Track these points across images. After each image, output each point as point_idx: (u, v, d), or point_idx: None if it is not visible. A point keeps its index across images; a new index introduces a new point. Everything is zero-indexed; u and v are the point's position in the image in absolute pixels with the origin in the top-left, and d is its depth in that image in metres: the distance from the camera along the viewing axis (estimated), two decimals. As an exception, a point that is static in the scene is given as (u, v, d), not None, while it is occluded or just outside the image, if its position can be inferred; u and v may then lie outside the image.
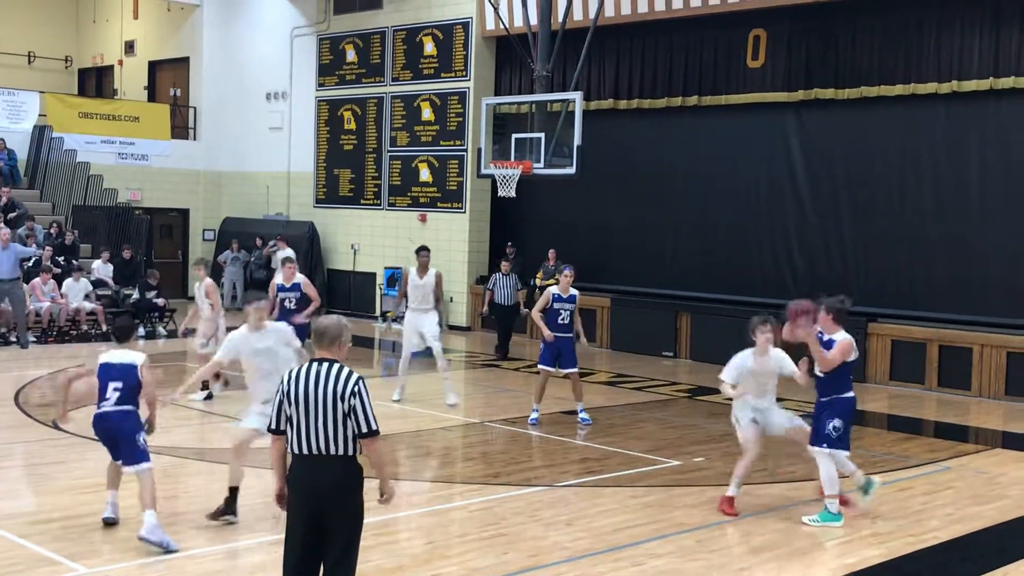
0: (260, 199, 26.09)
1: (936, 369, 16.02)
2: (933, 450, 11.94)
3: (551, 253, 20.31)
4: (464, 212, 22.07)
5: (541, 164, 17.16)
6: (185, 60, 27.43)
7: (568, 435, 12.21)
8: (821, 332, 8.80)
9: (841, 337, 8.74)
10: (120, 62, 29.06)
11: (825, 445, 8.75)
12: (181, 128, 26.93)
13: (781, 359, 9.04)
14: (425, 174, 22.71)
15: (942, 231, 16.70)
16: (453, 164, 22.21)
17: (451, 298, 22.21)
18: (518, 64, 20.68)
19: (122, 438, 7.93)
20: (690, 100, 19.21)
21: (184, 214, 26.79)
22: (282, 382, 5.65)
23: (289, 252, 23.70)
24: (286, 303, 13.61)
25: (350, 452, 5.53)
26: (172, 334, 19.79)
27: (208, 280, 14.11)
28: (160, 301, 20.03)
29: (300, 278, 13.90)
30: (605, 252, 20.43)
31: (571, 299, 12.70)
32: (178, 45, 27.64)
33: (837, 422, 8.73)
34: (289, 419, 5.58)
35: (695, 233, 19.45)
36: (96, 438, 8.16)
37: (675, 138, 19.77)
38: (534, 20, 18.31)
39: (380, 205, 23.61)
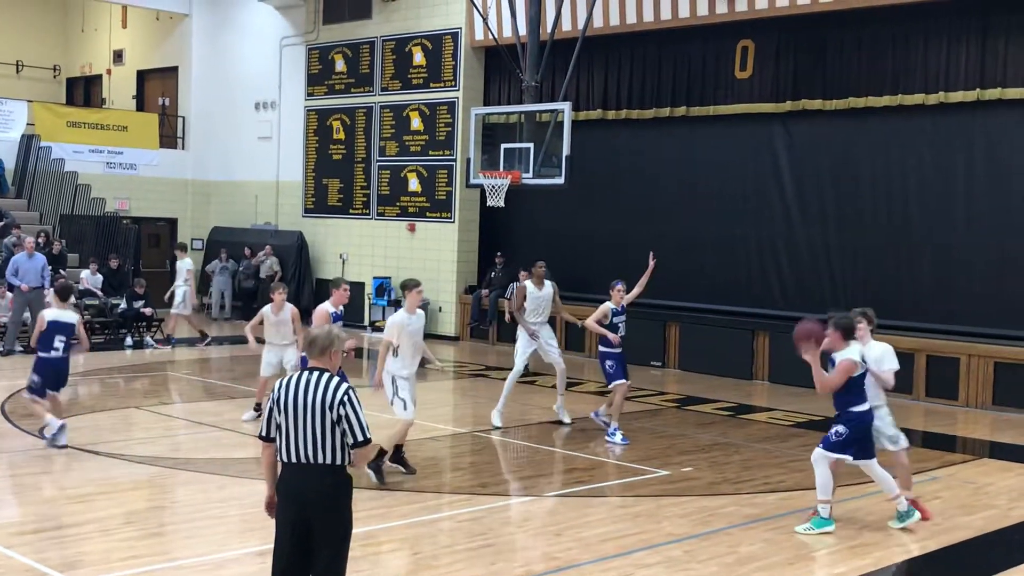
0: (248, 209, 26.06)
1: (923, 379, 16.06)
2: (921, 460, 11.95)
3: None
4: (453, 222, 22.07)
5: (530, 174, 17.17)
6: (174, 69, 27.41)
7: (555, 444, 12.20)
8: (833, 355, 8.82)
9: (842, 356, 8.73)
10: (108, 71, 29.02)
11: (822, 446, 8.81)
12: (169, 137, 26.89)
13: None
14: (414, 184, 22.71)
15: (929, 241, 16.76)
16: (442, 174, 22.21)
17: (440, 308, 22.22)
18: (507, 74, 20.71)
19: (64, 375, 11.28)
20: (678, 111, 19.26)
21: (172, 224, 26.73)
22: (273, 390, 5.67)
23: (274, 260, 23.75)
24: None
25: (338, 461, 5.53)
26: (161, 343, 19.73)
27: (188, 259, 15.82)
28: (148, 311, 19.96)
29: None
30: (594, 262, 20.43)
31: (623, 311, 12.73)
32: (167, 54, 27.61)
33: (841, 428, 8.78)
34: (279, 427, 5.59)
35: (684, 243, 19.47)
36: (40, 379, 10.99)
37: (664, 148, 19.82)
38: (523, 30, 18.34)
39: (369, 215, 23.60)
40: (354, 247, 23.83)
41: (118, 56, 28.86)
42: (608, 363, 12.50)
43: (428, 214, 22.48)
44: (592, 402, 14.07)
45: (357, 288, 23.63)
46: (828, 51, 17.49)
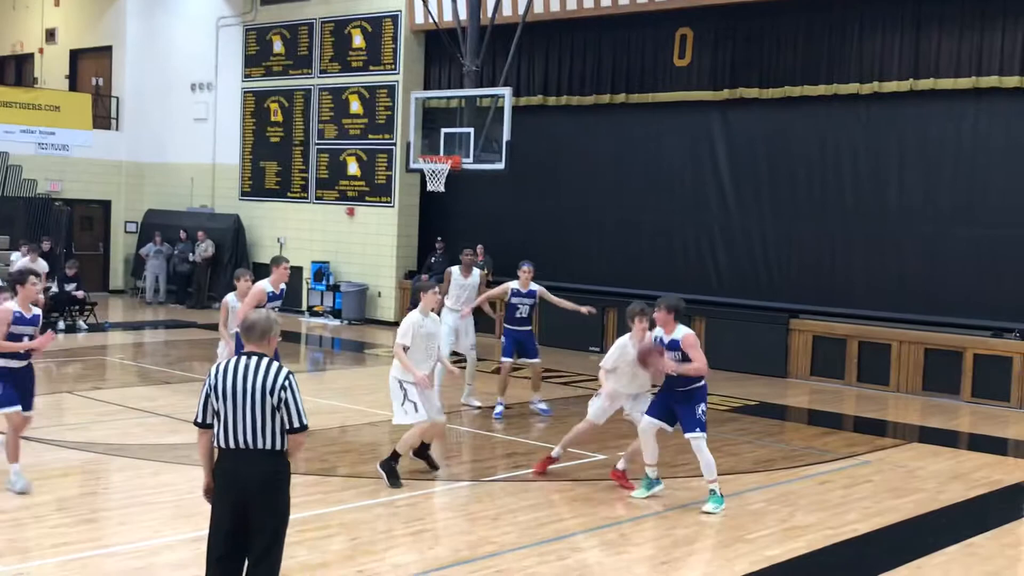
0: (184, 191, 25.71)
1: (856, 365, 16.33)
2: (852, 444, 12.17)
3: (479, 248, 20.31)
4: (393, 206, 21.97)
5: (470, 159, 17.15)
6: (108, 49, 26.92)
7: (495, 430, 12.23)
8: (661, 336, 8.97)
9: (683, 333, 8.95)
10: (41, 50, 28.42)
11: (698, 429, 8.94)
12: (103, 118, 26.43)
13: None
14: (353, 168, 22.57)
15: (862, 229, 17.02)
16: (382, 158, 22.10)
17: (379, 292, 22.14)
18: (447, 58, 20.64)
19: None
20: (618, 97, 19.34)
21: (106, 206, 26.30)
22: (209, 376, 5.61)
23: (209, 244, 23.51)
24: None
25: (277, 447, 5.51)
26: (93, 327, 19.43)
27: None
28: (80, 294, 19.62)
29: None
30: (533, 247, 20.39)
31: (530, 294, 12.94)
32: (101, 34, 27.11)
33: (704, 406, 9.03)
34: (216, 413, 5.53)
35: (621, 229, 19.59)
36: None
37: (603, 135, 19.90)
38: (463, 15, 18.28)
39: (307, 198, 23.42)
40: (292, 231, 23.63)
41: (51, 35, 28.28)
42: (503, 339, 12.99)
43: (367, 198, 22.36)
44: (526, 386, 14.09)
45: (295, 272, 23.42)
46: (765, 40, 17.66)
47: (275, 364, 5.55)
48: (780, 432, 12.93)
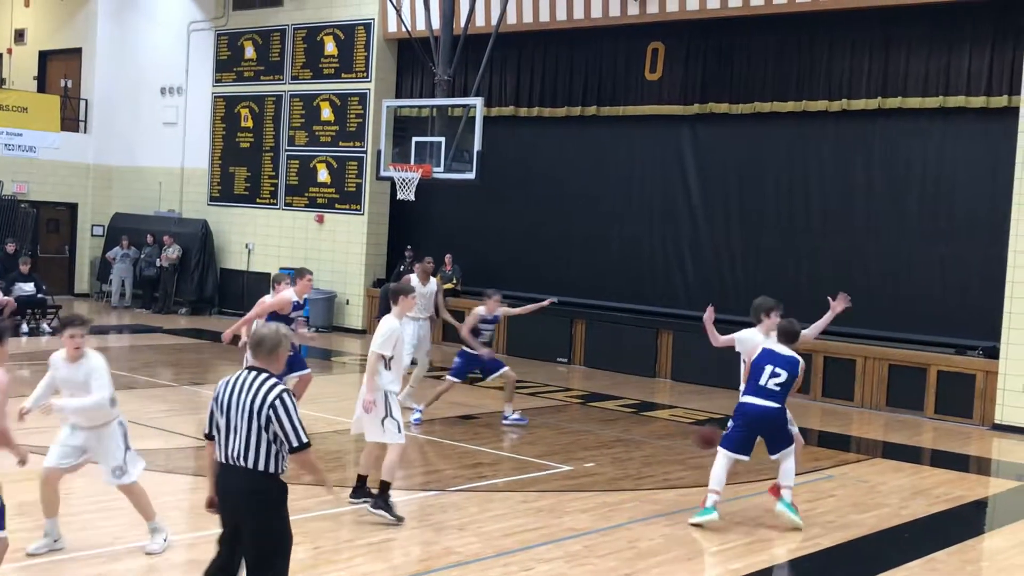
0: (152, 195, 25.54)
1: (821, 380, 16.43)
2: (816, 459, 12.23)
3: (447, 257, 20.34)
4: (362, 214, 21.92)
5: (441, 168, 17.15)
6: (77, 51, 26.71)
7: (461, 439, 12.21)
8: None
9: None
10: (9, 51, 28.17)
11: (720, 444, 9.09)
12: (71, 120, 26.21)
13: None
14: (323, 175, 22.50)
15: (829, 245, 17.15)
16: (352, 165, 22.05)
17: (347, 300, 22.06)
18: (420, 67, 20.64)
19: None
20: (589, 110, 19.40)
21: (72, 208, 26.08)
22: (217, 389, 5.58)
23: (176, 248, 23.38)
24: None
25: (267, 467, 5.40)
26: (56, 331, 19.21)
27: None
28: (40, 295, 19.31)
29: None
30: (503, 257, 20.50)
31: (495, 319, 13.12)
32: (70, 35, 26.90)
33: (729, 423, 9.09)
34: (216, 426, 5.52)
35: (591, 241, 19.64)
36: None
37: (574, 147, 19.95)
38: (436, 24, 18.30)
39: (276, 205, 23.32)
40: (260, 237, 23.52)
41: (19, 35, 28.05)
42: (457, 359, 12.95)
43: (337, 206, 22.30)
44: (494, 396, 14.08)
45: (263, 278, 23.33)
46: (736, 56, 17.78)
47: (270, 381, 5.44)
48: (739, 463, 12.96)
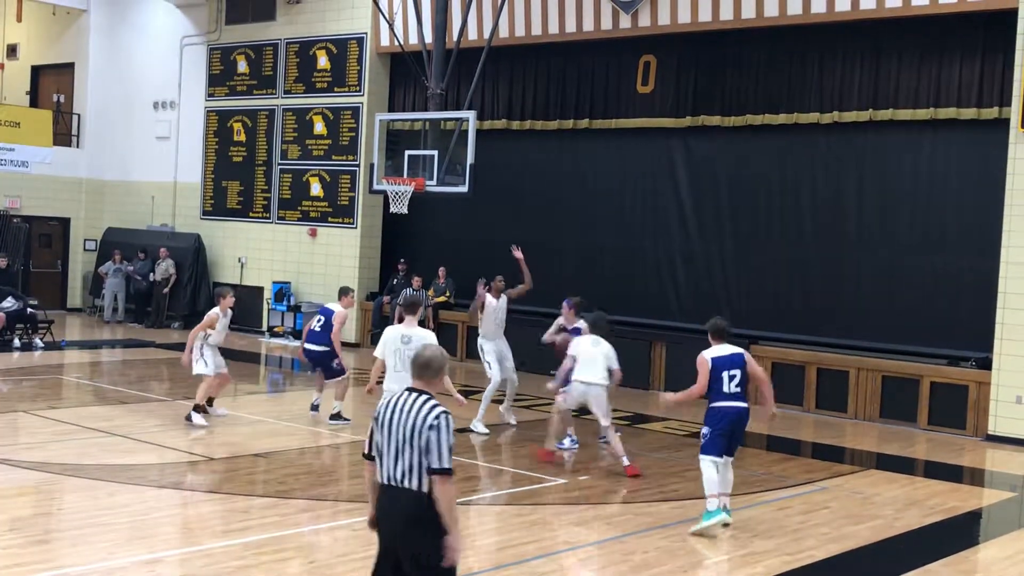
0: (144, 209, 25.53)
1: (814, 391, 16.44)
2: (810, 470, 12.24)
3: (441, 271, 20.35)
4: (355, 227, 21.93)
5: (434, 181, 17.16)
6: (70, 66, 26.72)
7: (456, 453, 12.16)
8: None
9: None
10: (1, 66, 28.15)
11: (701, 451, 9.28)
12: (64, 135, 26.20)
13: None
14: (316, 188, 22.51)
15: (821, 257, 17.18)
16: (345, 179, 22.06)
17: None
18: (412, 81, 20.67)
19: None
20: (581, 123, 19.44)
21: (65, 223, 26.06)
22: (377, 408, 5.55)
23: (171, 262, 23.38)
24: None
25: (427, 488, 5.32)
26: (50, 346, 19.19)
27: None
28: (20, 304, 19.24)
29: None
30: (495, 270, 20.40)
31: (575, 331, 12.84)
32: (63, 50, 26.91)
33: (704, 429, 9.31)
34: (377, 446, 5.47)
35: (583, 254, 19.66)
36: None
37: (566, 160, 19.98)
38: (429, 38, 18.33)
39: (270, 218, 23.32)
40: (253, 251, 23.51)
41: (12, 50, 28.04)
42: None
43: (330, 219, 22.30)
44: (488, 410, 14.07)
45: (256, 292, 23.35)
46: (727, 69, 17.84)
47: (431, 402, 5.40)
48: (738, 458, 12.87)
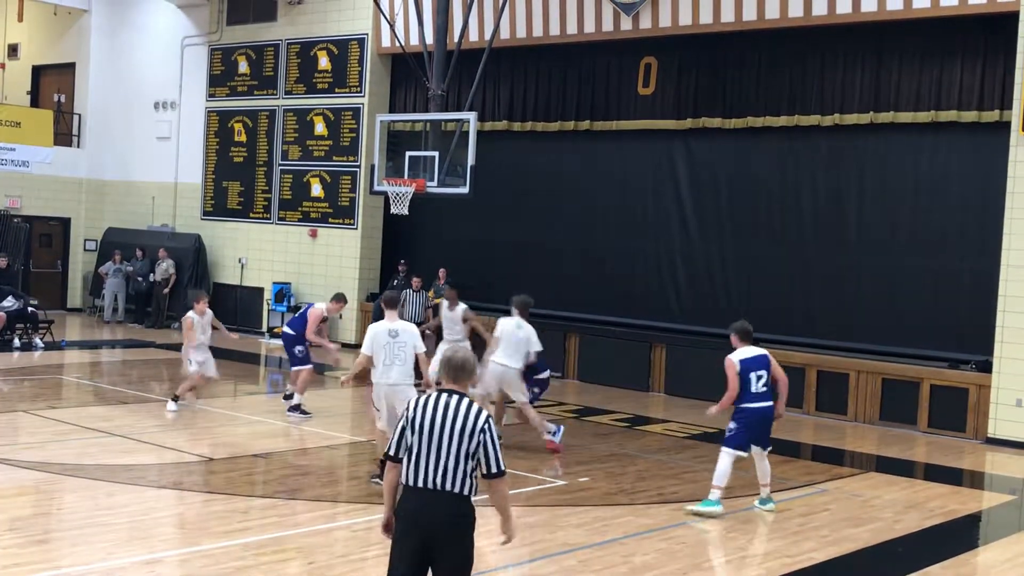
0: (145, 210, 25.53)
1: (814, 394, 16.44)
2: (810, 473, 12.24)
3: (442, 272, 20.32)
4: (356, 228, 21.92)
5: (435, 183, 17.16)
6: (71, 66, 26.73)
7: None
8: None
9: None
10: (2, 65, 28.17)
11: (724, 443, 9.86)
12: (65, 135, 26.21)
13: None
14: (317, 189, 22.51)
15: (821, 259, 17.17)
16: (346, 180, 22.06)
17: (340, 315, 22.01)
18: (413, 82, 20.67)
19: None
20: (582, 124, 19.44)
21: (65, 223, 26.06)
22: (407, 409, 5.45)
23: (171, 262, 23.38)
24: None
25: (466, 491, 5.33)
26: (50, 346, 19.18)
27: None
28: (20, 303, 19.24)
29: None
30: (496, 272, 20.49)
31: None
32: (64, 50, 26.92)
33: (732, 424, 9.85)
34: (409, 448, 5.38)
35: (583, 255, 19.65)
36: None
37: (567, 161, 19.97)
38: (430, 39, 18.33)
39: (270, 219, 23.32)
40: (254, 251, 23.51)
41: (13, 50, 28.06)
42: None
43: (331, 220, 22.30)
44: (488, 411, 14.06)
45: (256, 293, 23.35)
46: (728, 71, 17.83)
47: (476, 406, 5.42)
48: (738, 460, 12.96)
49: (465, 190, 16.92)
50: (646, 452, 12.87)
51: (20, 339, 19.06)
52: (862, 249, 16.82)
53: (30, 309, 19.50)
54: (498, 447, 5.38)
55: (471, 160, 16.75)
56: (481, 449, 5.32)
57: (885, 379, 15.85)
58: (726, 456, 9.75)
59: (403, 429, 5.41)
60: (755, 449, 9.93)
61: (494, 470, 5.36)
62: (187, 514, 9.27)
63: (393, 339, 10.22)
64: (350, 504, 9.80)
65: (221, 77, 24.11)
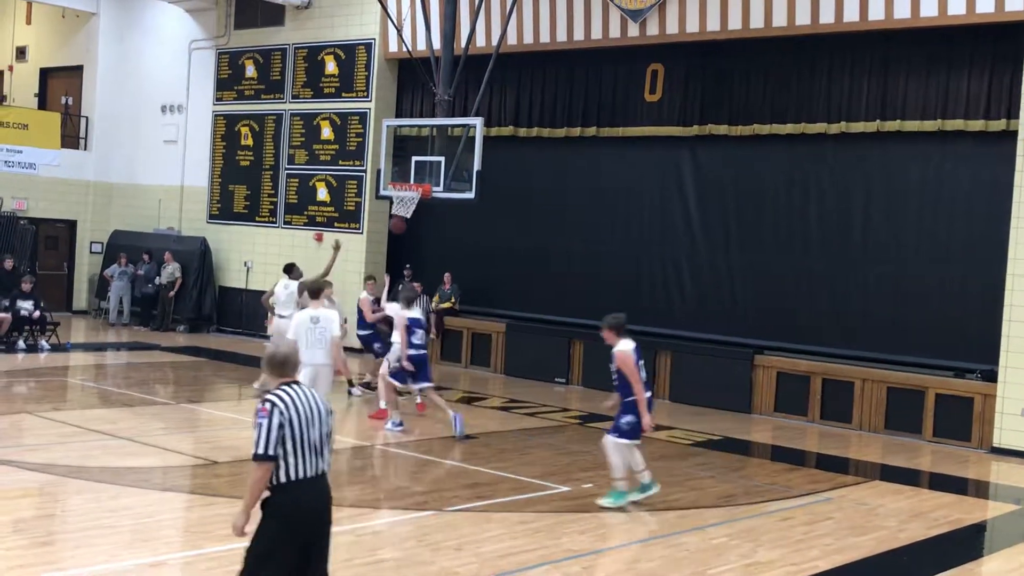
0: (151, 213, 25.57)
1: (819, 402, 16.42)
2: (814, 481, 12.22)
3: (447, 276, 20.35)
4: (361, 233, 21.94)
5: (440, 188, 17.16)
6: (79, 69, 26.79)
7: (458, 459, 12.19)
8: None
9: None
10: (10, 68, 28.26)
11: (616, 435, 10.10)
12: (72, 138, 26.26)
13: None
14: (323, 193, 22.53)
15: (827, 266, 17.16)
16: (352, 184, 22.08)
17: (345, 319, 22.00)
18: (420, 87, 20.69)
19: None
20: (589, 131, 19.44)
21: (71, 225, 26.11)
22: (277, 407, 5.44)
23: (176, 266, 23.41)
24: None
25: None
26: (55, 348, 19.22)
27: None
28: (37, 313, 19.28)
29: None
30: (501, 277, 20.51)
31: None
32: (72, 53, 26.97)
33: (629, 416, 10.06)
34: (292, 444, 5.45)
35: (589, 261, 19.65)
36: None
37: (573, 167, 19.98)
38: (437, 44, 18.35)
39: (276, 223, 23.34)
40: (259, 255, 23.54)
41: (21, 53, 28.13)
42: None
43: (336, 224, 22.32)
44: (491, 416, 14.08)
45: (261, 296, 23.31)
46: (735, 78, 17.83)
47: (316, 391, 5.78)
48: (743, 467, 12.97)
49: (471, 195, 16.91)
50: (650, 459, 12.83)
51: (26, 341, 19.10)
52: (868, 257, 16.80)
53: (38, 312, 19.54)
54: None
55: (477, 165, 16.75)
56: (330, 430, 5.71)
57: (890, 388, 15.83)
58: (628, 448, 10.11)
59: (281, 427, 5.43)
60: None
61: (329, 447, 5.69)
62: (191, 517, 9.28)
63: (314, 324, 11.37)
64: (353, 508, 9.79)
65: (228, 81, 24.15)
